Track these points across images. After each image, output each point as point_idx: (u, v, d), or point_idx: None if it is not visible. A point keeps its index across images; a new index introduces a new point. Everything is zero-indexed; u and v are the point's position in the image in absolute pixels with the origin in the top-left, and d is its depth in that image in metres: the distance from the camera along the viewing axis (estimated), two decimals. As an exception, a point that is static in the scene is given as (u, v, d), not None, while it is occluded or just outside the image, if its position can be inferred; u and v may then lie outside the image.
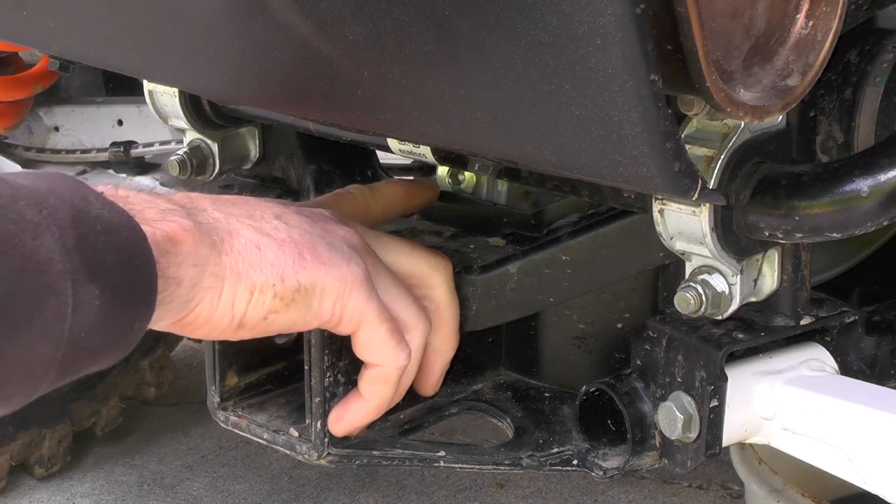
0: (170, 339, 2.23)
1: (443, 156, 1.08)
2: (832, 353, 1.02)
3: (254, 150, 1.30)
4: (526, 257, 1.08)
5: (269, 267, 0.92)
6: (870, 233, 0.91)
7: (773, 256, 0.96)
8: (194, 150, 1.27)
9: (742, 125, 0.89)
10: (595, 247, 1.06)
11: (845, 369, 1.03)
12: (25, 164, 1.95)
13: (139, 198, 0.87)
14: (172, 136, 1.78)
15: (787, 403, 0.97)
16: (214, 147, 1.27)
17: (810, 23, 0.80)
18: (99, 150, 1.89)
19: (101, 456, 2.22)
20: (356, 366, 1.03)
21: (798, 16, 0.80)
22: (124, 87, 1.98)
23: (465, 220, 1.19)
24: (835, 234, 0.89)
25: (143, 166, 1.86)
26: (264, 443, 1.10)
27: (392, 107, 0.87)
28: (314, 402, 1.04)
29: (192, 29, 0.94)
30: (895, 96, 0.99)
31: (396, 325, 1.00)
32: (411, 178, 1.38)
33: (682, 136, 0.89)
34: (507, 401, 1.16)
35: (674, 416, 0.96)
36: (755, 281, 0.96)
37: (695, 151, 0.89)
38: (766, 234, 0.91)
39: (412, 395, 1.10)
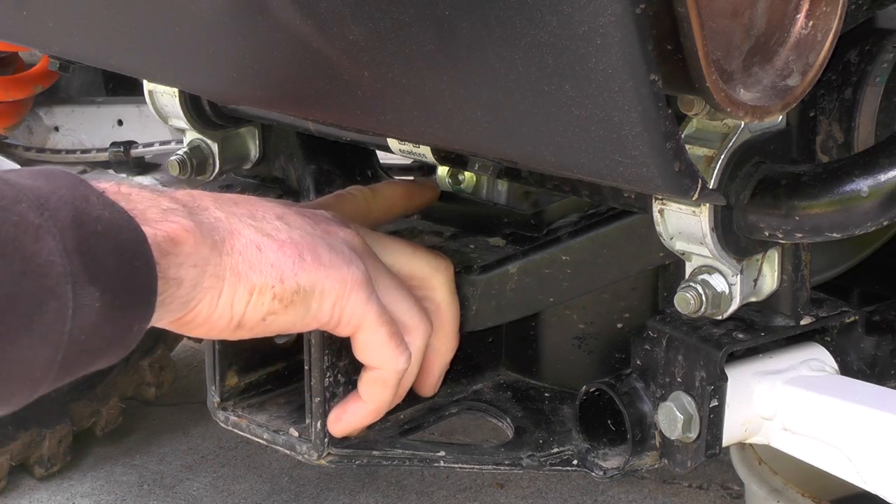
0: (170, 339, 2.23)
1: (443, 156, 1.08)
2: (832, 353, 1.02)
3: (254, 150, 1.30)
4: (526, 257, 1.08)
5: (268, 268, 0.92)
6: (870, 233, 0.91)
7: (773, 256, 0.96)
8: (194, 150, 1.27)
9: (742, 125, 0.89)
10: (595, 247, 1.06)
11: (845, 369, 1.03)
12: (25, 164, 1.95)
13: (141, 195, 0.87)
14: (172, 136, 1.78)
15: (787, 403, 0.97)
16: (214, 147, 1.27)
17: (810, 23, 0.80)
18: (99, 150, 1.90)
19: (101, 456, 2.22)
20: (356, 366, 1.03)
21: (798, 16, 0.80)
22: (124, 87, 1.98)
23: (465, 220, 1.19)
24: (835, 234, 0.89)
25: (143, 166, 1.86)
26: (264, 443, 1.10)
27: (392, 107, 0.87)
28: (314, 402, 1.04)
29: (192, 29, 0.94)
30: (895, 96, 0.99)
31: (396, 328, 1.00)
32: (411, 178, 1.38)
33: (682, 136, 0.89)
34: (507, 401, 1.16)
35: (674, 416, 0.96)
36: (755, 281, 0.96)
37: (695, 151, 0.89)
38: (766, 234, 0.91)
39: (412, 396, 1.10)
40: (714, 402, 0.95)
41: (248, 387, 1.14)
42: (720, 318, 0.95)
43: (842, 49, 0.98)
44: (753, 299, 0.96)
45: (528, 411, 1.14)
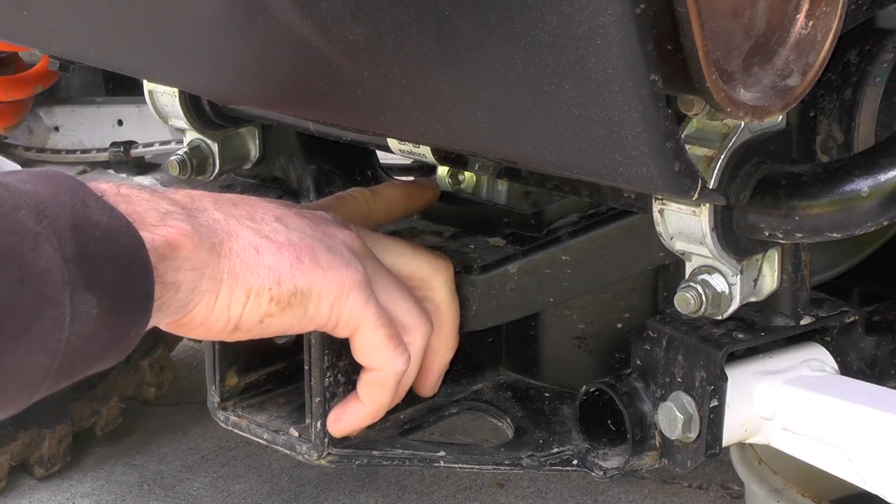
0: (170, 339, 2.23)
1: (443, 156, 1.08)
2: (832, 353, 1.02)
3: (254, 150, 1.30)
4: (526, 257, 1.08)
5: (266, 270, 0.92)
6: (870, 233, 0.91)
7: (773, 256, 0.96)
8: (194, 150, 1.27)
9: (742, 125, 0.89)
10: (595, 247, 1.06)
11: (845, 369, 1.03)
12: (25, 164, 1.95)
13: (140, 197, 0.87)
14: (172, 136, 1.78)
15: (787, 403, 0.97)
16: (214, 147, 1.27)
17: (810, 23, 0.80)
18: (99, 150, 1.89)
19: (101, 456, 2.22)
20: (356, 366, 1.03)
21: (798, 16, 0.80)
22: (124, 87, 1.98)
23: (465, 220, 1.19)
24: (835, 234, 0.89)
25: (143, 166, 1.86)
26: (264, 443, 1.10)
27: (392, 107, 0.87)
28: (314, 402, 1.04)
29: (192, 29, 0.94)
30: (895, 96, 0.99)
31: (395, 330, 1.00)
32: (412, 178, 1.38)
33: (682, 136, 0.89)
34: (507, 401, 1.16)
35: (674, 416, 0.96)
36: (755, 281, 0.96)
37: (695, 151, 0.89)
38: (766, 234, 0.91)
39: (412, 396, 1.10)
40: (714, 402, 0.95)
41: (248, 387, 1.14)
42: (720, 318, 0.95)
43: (842, 49, 0.98)
44: (753, 299, 0.96)
45: (528, 411, 1.14)
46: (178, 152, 1.27)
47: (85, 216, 0.78)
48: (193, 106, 1.25)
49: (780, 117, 0.92)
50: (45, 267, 0.75)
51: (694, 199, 0.80)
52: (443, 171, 1.23)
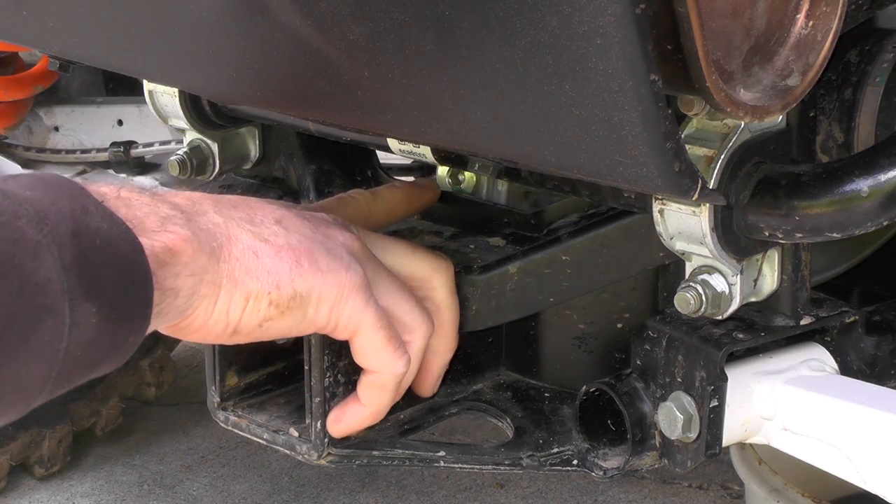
0: (170, 340, 2.23)
1: (443, 156, 1.08)
2: (832, 353, 1.02)
3: (254, 150, 1.30)
4: (526, 257, 1.08)
5: (265, 274, 0.92)
6: (870, 233, 0.91)
7: (773, 256, 0.96)
8: (194, 150, 1.27)
9: (742, 125, 0.89)
10: (595, 247, 1.06)
11: (845, 369, 1.03)
12: (25, 164, 1.95)
13: (141, 201, 0.87)
14: (172, 136, 1.78)
15: (787, 403, 0.97)
16: (214, 147, 1.27)
17: (810, 23, 0.80)
18: (99, 150, 1.89)
19: (101, 456, 2.22)
20: (356, 366, 1.03)
21: (798, 16, 0.80)
22: (124, 87, 1.98)
23: (465, 220, 1.19)
24: (835, 234, 0.89)
25: (143, 166, 1.86)
26: (264, 443, 1.10)
27: (392, 107, 0.87)
28: (314, 402, 1.04)
29: (191, 29, 0.94)
30: (895, 96, 0.99)
31: (394, 333, 1.00)
32: (412, 178, 1.38)
33: (682, 136, 0.89)
34: (507, 401, 1.16)
35: (674, 416, 0.96)
36: (755, 281, 0.96)
37: (695, 151, 0.89)
38: (766, 234, 0.91)
39: (412, 396, 1.10)
40: (714, 402, 0.95)
41: (248, 387, 1.14)
42: (720, 318, 0.95)
43: (842, 49, 0.98)
44: (753, 299, 0.96)
45: (528, 411, 1.14)
46: (178, 152, 1.27)
47: (85, 223, 0.78)
48: (193, 106, 1.25)
49: (780, 117, 0.92)
50: (45, 276, 0.75)
51: (694, 199, 0.80)
52: (443, 171, 1.23)
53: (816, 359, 1.01)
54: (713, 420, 0.95)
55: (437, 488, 2.10)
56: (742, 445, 1.41)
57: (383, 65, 0.82)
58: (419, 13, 0.77)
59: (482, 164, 1.07)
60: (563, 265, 1.07)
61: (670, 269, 1.08)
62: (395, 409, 1.08)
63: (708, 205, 0.90)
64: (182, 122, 1.26)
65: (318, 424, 1.05)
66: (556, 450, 1.08)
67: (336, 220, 1.02)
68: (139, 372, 2.20)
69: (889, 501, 0.93)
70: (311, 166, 1.26)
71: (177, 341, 2.27)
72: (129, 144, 1.85)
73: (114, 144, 1.86)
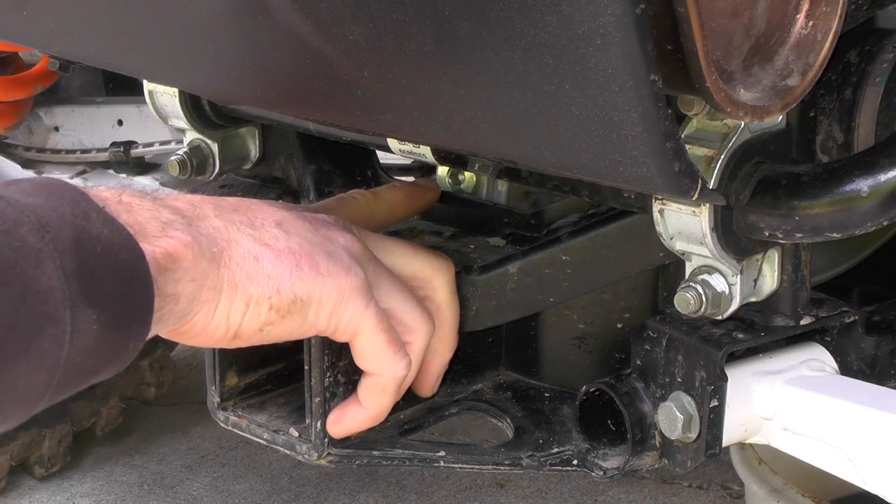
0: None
1: (443, 156, 1.08)
2: (832, 353, 1.02)
3: (254, 150, 1.30)
4: (526, 257, 1.08)
5: (265, 279, 0.92)
6: (870, 233, 0.91)
7: (773, 256, 0.96)
8: (194, 150, 1.27)
9: (742, 125, 0.89)
10: (595, 247, 1.06)
11: (845, 369, 1.03)
12: (25, 164, 1.95)
13: (142, 206, 0.86)
14: (172, 136, 1.78)
15: (787, 403, 0.97)
16: (214, 147, 1.27)
17: (810, 23, 0.80)
18: (99, 150, 1.89)
19: (101, 456, 2.22)
20: (356, 366, 1.03)
21: (798, 16, 0.81)
22: (124, 87, 1.98)
23: (465, 220, 1.19)
24: (835, 234, 0.89)
25: (143, 166, 1.86)
26: (264, 443, 1.10)
27: (392, 107, 0.87)
28: (314, 402, 1.04)
29: (192, 29, 0.94)
30: (895, 96, 0.99)
31: (395, 335, 1.00)
32: (412, 178, 1.38)
33: (682, 136, 0.89)
34: (507, 401, 1.16)
35: (674, 416, 0.96)
36: (755, 281, 0.96)
37: (695, 151, 0.89)
38: (766, 234, 0.91)
39: (412, 396, 1.10)
40: (714, 402, 0.95)
41: (248, 387, 1.14)
42: (720, 318, 0.95)
43: (842, 49, 0.98)
44: (753, 299, 0.96)
45: (528, 411, 1.14)
46: (178, 152, 1.27)
47: (86, 230, 0.78)
48: (193, 106, 1.25)
49: (780, 117, 0.92)
50: (46, 284, 0.75)
51: (694, 199, 0.80)
52: (443, 171, 1.23)
53: (816, 359, 1.01)
54: (713, 420, 0.95)
55: (437, 488, 2.10)
56: (742, 445, 1.41)
57: (383, 65, 0.82)
58: (419, 13, 0.77)
59: (482, 164, 1.07)
60: (563, 265, 1.07)
61: (670, 269, 1.08)
62: (395, 409, 1.08)
63: (708, 205, 0.90)
64: (182, 122, 1.26)
65: (318, 424, 1.05)
66: (556, 450, 1.08)
67: (337, 221, 1.02)
68: (139, 372, 2.20)
69: (889, 501, 0.93)
70: (311, 166, 1.25)
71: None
72: (129, 144, 1.85)
73: (114, 144, 1.86)
